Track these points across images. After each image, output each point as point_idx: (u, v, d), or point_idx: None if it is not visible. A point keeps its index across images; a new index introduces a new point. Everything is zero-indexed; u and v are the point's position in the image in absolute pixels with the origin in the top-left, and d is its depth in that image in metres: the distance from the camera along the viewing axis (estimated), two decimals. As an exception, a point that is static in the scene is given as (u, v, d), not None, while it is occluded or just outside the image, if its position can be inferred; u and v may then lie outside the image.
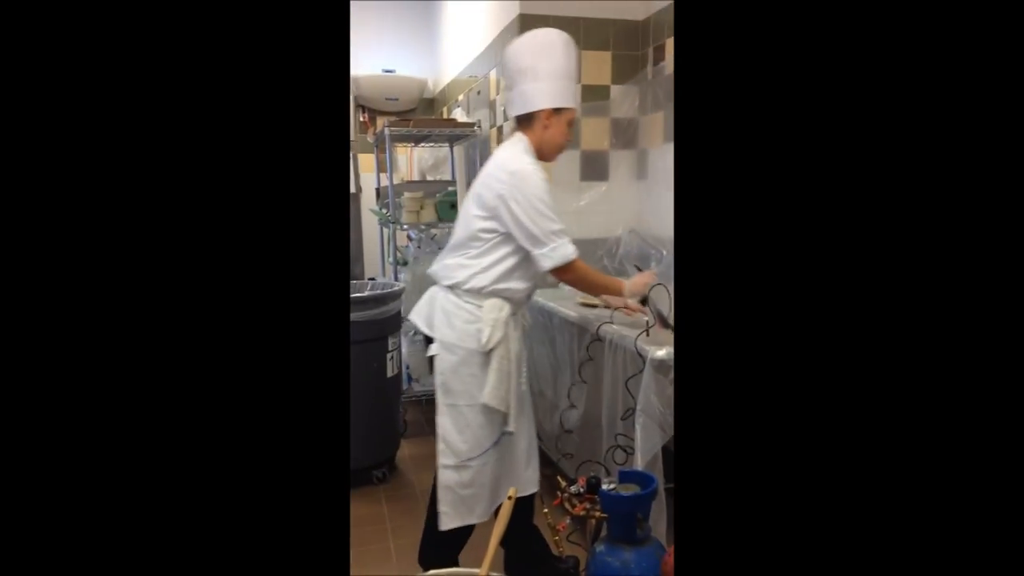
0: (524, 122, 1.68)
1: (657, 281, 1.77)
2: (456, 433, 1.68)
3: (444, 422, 1.69)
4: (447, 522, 1.70)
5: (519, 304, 1.72)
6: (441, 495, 1.70)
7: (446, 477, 1.69)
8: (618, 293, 1.72)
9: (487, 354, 1.62)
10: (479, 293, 1.64)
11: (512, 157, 1.64)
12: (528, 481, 1.77)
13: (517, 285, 1.66)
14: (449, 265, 1.69)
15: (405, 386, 3.23)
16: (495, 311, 1.62)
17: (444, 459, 1.70)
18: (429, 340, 1.72)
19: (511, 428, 1.67)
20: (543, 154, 1.69)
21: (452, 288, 1.67)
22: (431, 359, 1.71)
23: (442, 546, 1.76)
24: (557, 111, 1.64)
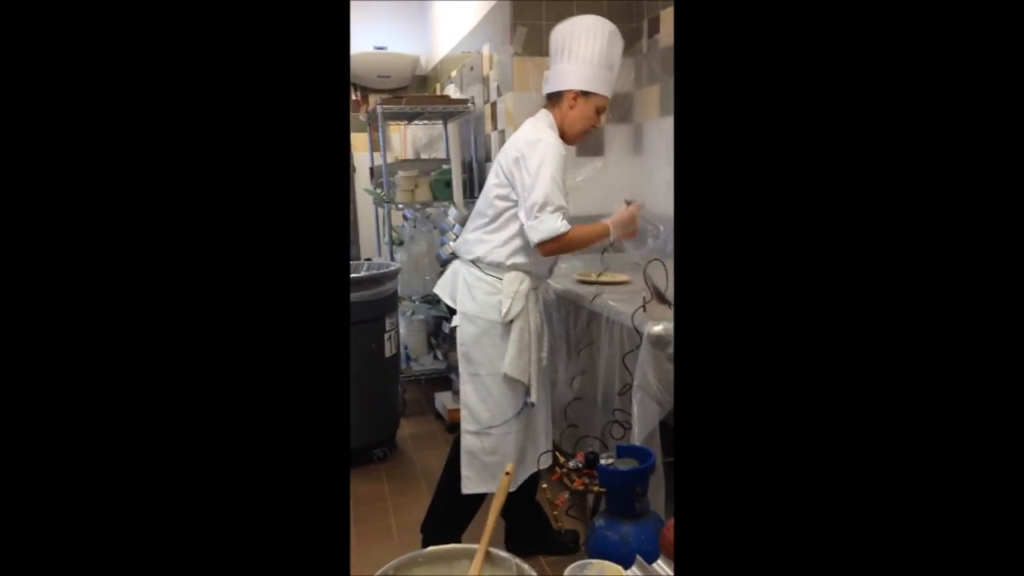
0: (553, 100, 1.71)
1: (642, 207, 1.75)
2: (478, 402, 1.72)
3: (467, 390, 1.74)
4: (470, 486, 1.74)
5: (540, 278, 1.75)
6: (464, 459, 1.74)
7: (468, 442, 1.73)
8: (605, 237, 1.70)
9: (507, 325, 1.66)
10: (499, 267, 1.68)
11: (534, 129, 1.68)
12: (546, 456, 1.78)
13: (534, 259, 1.69)
14: (469, 240, 1.74)
15: (404, 366, 3.24)
16: (515, 283, 1.66)
17: (466, 425, 1.74)
18: (452, 312, 1.76)
19: (533, 399, 1.70)
20: (564, 135, 1.70)
21: (474, 262, 1.71)
22: (453, 330, 1.76)
23: (447, 524, 1.78)
24: (585, 95, 1.66)
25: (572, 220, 1.63)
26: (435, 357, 3.47)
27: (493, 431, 1.71)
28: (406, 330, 3.35)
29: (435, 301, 3.32)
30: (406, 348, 3.38)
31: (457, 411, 2.88)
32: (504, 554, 0.97)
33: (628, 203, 1.73)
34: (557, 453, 1.55)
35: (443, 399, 3.06)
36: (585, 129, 1.71)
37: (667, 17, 2.58)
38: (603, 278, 2.09)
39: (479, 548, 0.97)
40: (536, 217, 1.57)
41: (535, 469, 1.78)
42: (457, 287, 1.74)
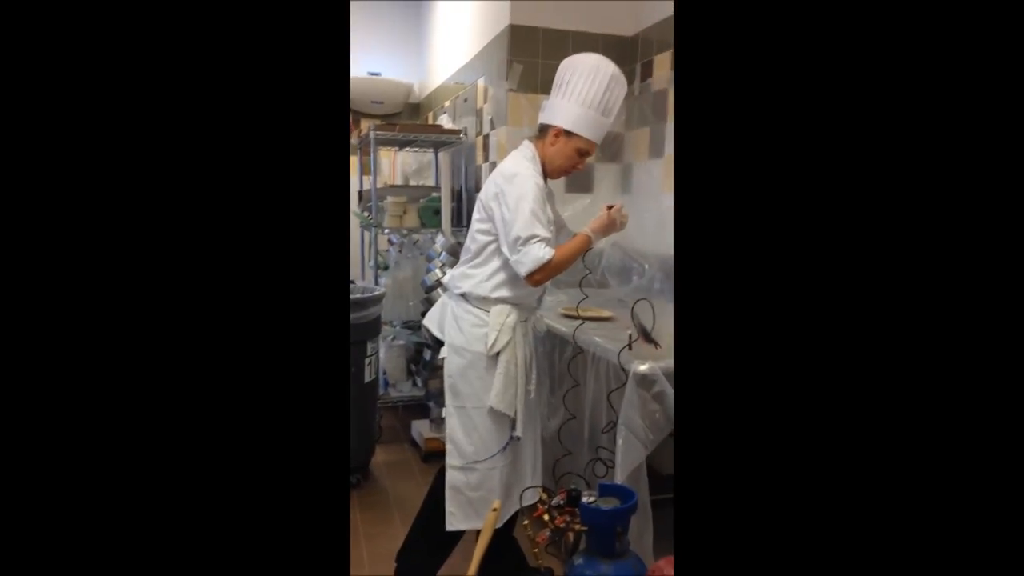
0: (540, 132, 1.72)
1: (621, 208, 1.72)
2: (463, 435, 1.70)
3: (452, 423, 1.72)
4: (454, 523, 1.70)
5: (528, 310, 1.75)
6: (449, 495, 1.71)
7: (453, 478, 1.71)
8: (588, 245, 1.67)
9: (493, 358, 1.65)
10: (485, 300, 1.68)
11: (513, 162, 1.68)
12: (533, 492, 1.76)
13: (519, 292, 1.69)
14: (456, 275, 1.75)
15: (382, 391, 3.21)
16: (502, 316, 1.66)
17: (451, 459, 1.72)
18: (439, 344, 1.76)
19: (519, 433, 1.69)
20: (545, 169, 1.71)
21: (462, 296, 1.71)
22: (433, 358, 1.75)
23: (424, 556, 1.75)
24: (568, 134, 1.64)
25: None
26: (414, 384, 3.44)
27: (478, 466, 1.69)
28: (386, 355, 3.32)
29: (417, 327, 3.31)
30: (385, 373, 3.35)
31: (433, 440, 2.86)
32: (488, 592, 0.96)
33: (608, 208, 1.71)
34: (541, 490, 1.54)
35: (420, 427, 3.02)
36: (564, 168, 1.70)
37: (661, 62, 2.65)
38: (587, 313, 2.11)
39: (464, 585, 0.95)
40: (519, 251, 1.57)
41: (520, 506, 1.76)
42: (445, 319, 1.75)
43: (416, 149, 3.78)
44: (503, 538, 1.83)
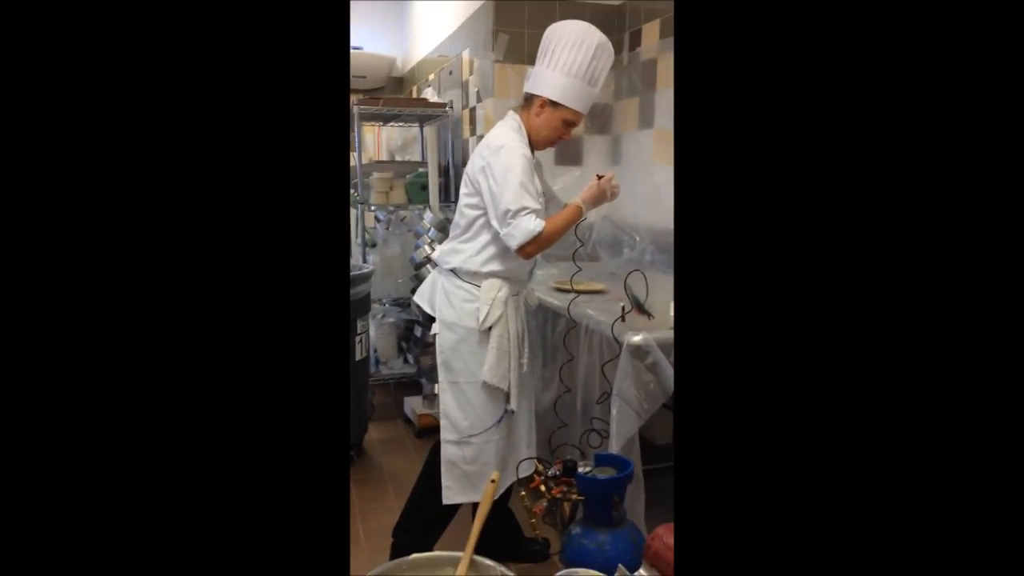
0: (526, 102, 1.68)
1: (612, 178, 1.69)
2: (458, 410, 1.70)
3: (446, 399, 1.72)
4: (451, 496, 1.72)
5: (520, 283, 1.73)
6: (445, 469, 1.72)
7: (449, 452, 1.71)
8: (579, 216, 1.65)
9: (485, 332, 1.65)
10: (475, 275, 1.67)
11: (499, 133, 1.65)
12: (529, 463, 1.77)
13: (510, 265, 1.67)
14: (445, 250, 1.74)
15: (373, 369, 3.20)
16: (493, 290, 1.65)
17: (446, 434, 1.72)
18: (430, 319, 1.75)
19: (513, 407, 1.69)
20: (531, 140, 1.68)
21: (452, 271, 1.70)
22: (424, 334, 1.74)
23: (420, 530, 1.76)
24: (554, 105, 1.61)
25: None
26: (405, 361, 3.44)
27: (473, 440, 1.69)
28: (376, 333, 3.31)
29: (406, 304, 3.29)
30: (375, 351, 3.34)
31: (426, 416, 2.86)
32: (489, 562, 0.96)
33: (599, 177, 1.69)
34: (537, 461, 1.54)
35: (412, 404, 3.03)
36: (551, 138, 1.67)
37: (649, 31, 2.62)
38: (579, 286, 2.10)
39: (464, 555, 0.96)
40: (510, 223, 1.56)
41: (515, 477, 1.76)
42: (436, 295, 1.74)
43: (401, 124, 3.73)
44: (499, 510, 1.84)
